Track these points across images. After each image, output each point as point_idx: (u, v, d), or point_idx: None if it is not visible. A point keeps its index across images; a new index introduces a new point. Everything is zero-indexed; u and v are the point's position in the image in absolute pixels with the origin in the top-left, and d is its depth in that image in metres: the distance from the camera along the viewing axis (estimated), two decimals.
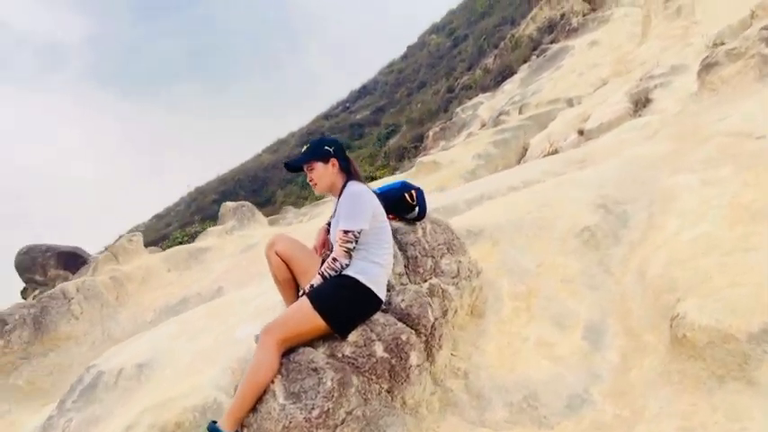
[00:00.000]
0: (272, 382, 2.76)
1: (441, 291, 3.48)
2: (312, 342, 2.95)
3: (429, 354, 3.17)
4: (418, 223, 3.74)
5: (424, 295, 3.28)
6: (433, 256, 3.63)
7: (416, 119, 29.44)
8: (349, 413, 2.72)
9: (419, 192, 3.70)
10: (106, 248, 8.43)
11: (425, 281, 3.51)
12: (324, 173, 3.17)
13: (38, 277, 9.62)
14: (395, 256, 3.46)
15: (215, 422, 2.68)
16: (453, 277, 3.63)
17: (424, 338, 3.16)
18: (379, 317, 3.05)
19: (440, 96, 30.84)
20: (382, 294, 3.08)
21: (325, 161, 3.17)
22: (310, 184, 3.21)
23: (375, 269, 3.05)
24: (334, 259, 2.99)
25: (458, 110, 22.33)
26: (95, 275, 6.75)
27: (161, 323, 5.50)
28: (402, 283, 3.39)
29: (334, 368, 2.80)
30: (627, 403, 3.04)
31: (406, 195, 3.64)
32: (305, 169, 3.20)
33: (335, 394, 2.72)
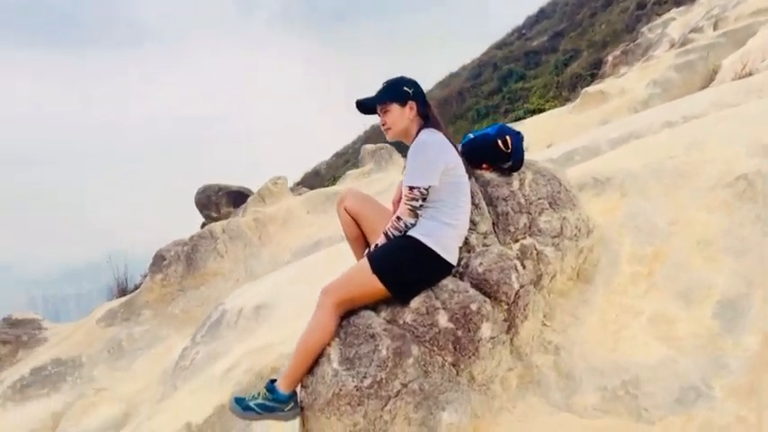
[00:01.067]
0: (329, 344, 2.66)
1: (535, 252, 3.06)
2: (375, 305, 2.77)
3: (511, 324, 2.82)
4: (516, 174, 3.29)
5: (508, 258, 2.89)
6: (529, 213, 3.18)
7: (599, 42, 26.62)
8: (405, 385, 2.53)
9: (516, 137, 3.23)
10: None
11: (516, 241, 3.10)
12: (399, 116, 2.86)
13: (213, 214, 10.73)
14: (481, 214, 3.09)
15: (274, 381, 2.67)
16: (554, 237, 3.16)
17: (505, 307, 2.80)
18: (447, 282, 2.76)
19: (628, 14, 27.43)
20: (452, 258, 2.77)
21: (402, 103, 2.85)
22: (382, 128, 2.94)
23: (444, 230, 2.74)
24: (398, 218, 2.74)
25: (644, 29, 19.65)
26: (245, 216, 7.29)
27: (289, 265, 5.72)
28: (485, 244, 3.02)
29: (392, 335, 2.61)
30: (757, 405, 2.42)
31: (499, 142, 3.20)
32: (378, 111, 2.92)
33: (390, 364, 2.53)
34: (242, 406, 2.60)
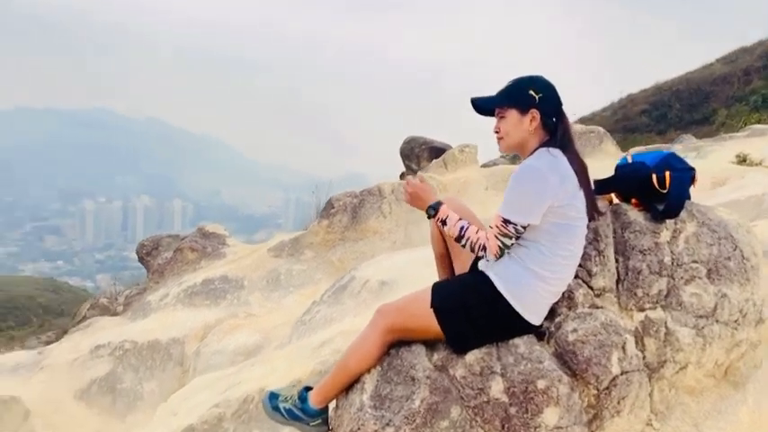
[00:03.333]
0: (370, 371, 2.38)
1: (663, 331, 2.34)
2: (434, 341, 2.39)
3: (596, 416, 2.21)
4: (670, 222, 2.51)
5: (617, 331, 2.24)
6: (672, 277, 2.41)
7: None
8: None
9: (680, 174, 2.43)
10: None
11: (642, 310, 2.39)
12: (516, 126, 2.28)
13: (413, 166, 10.76)
14: (603, 264, 2.43)
15: (309, 389, 2.50)
16: (700, 316, 2.37)
17: (593, 392, 2.20)
18: (519, 343, 2.24)
19: None
20: (534, 317, 2.23)
21: (523, 111, 2.26)
22: (495, 135, 2.41)
23: (530, 281, 2.19)
24: (483, 248, 2.26)
25: None
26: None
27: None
28: (595, 305, 2.37)
29: (434, 387, 2.22)
30: None
31: (654, 177, 2.44)
32: (496, 114, 2.39)
33: (419, 420, 2.16)
34: (272, 404, 2.48)
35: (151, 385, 5.03)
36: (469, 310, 2.24)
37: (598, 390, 2.20)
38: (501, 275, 2.22)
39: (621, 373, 2.21)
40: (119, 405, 4.87)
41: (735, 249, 2.47)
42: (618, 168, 2.63)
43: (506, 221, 2.18)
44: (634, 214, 2.56)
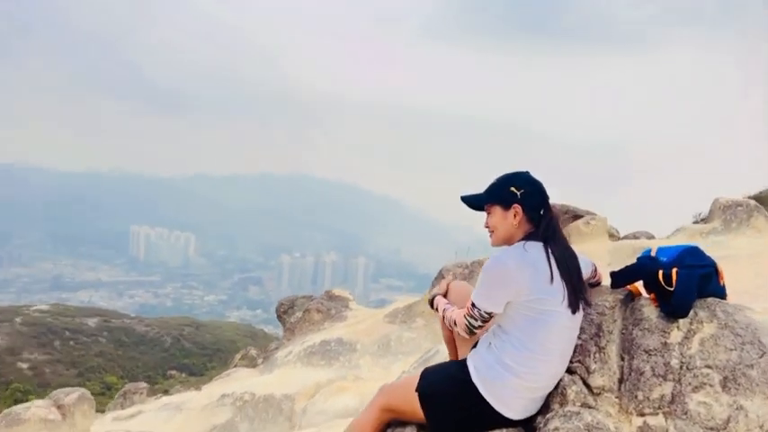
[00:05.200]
0: None
1: None
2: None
3: None
4: (684, 321, 2.34)
5: None
6: (678, 382, 2.24)
7: None
8: None
9: (685, 272, 2.29)
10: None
11: (642, 415, 2.24)
12: (501, 221, 2.41)
13: None
14: (604, 362, 2.35)
15: None
16: (709, 428, 2.16)
17: None
18: None
19: None
20: (509, 411, 2.25)
21: (506, 207, 2.39)
22: (487, 230, 2.52)
23: (502, 375, 2.24)
24: (454, 323, 2.41)
25: None
26: None
27: None
28: (586, 404, 2.29)
29: None
30: None
31: (660, 274, 2.33)
32: (486, 210, 2.51)
33: None
34: None
35: None
36: (448, 399, 2.32)
37: None
38: (478, 366, 2.30)
39: None
40: None
41: (762, 356, 2.22)
42: (637, 260, 2.54)
43: (473, 305, 2.31)
44: (649, 310, 2.45)
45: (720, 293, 2.42)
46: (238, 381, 6.66)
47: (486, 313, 2.28)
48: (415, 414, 2.43)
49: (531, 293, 2.22)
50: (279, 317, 8.13)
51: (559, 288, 2.25)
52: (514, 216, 2.36)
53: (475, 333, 2.37)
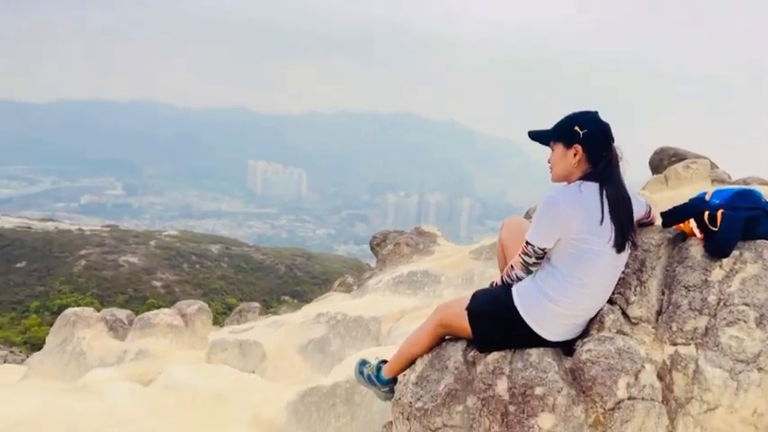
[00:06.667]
0: (425, 354, 2.87)
1: (693, 368, 2.34)
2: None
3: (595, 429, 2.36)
4: (729, 260, 2.41)
5: (632, 358, 2.34)
6: (713, 316, 2.35)
7: None
8: (447, 426, 2.60)
9: (730, 213, 2.35)
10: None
11: (674, 344, 2.40)
12: (560, 159, 2.53)
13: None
14: (644, 294, 2.51)
15: (384, 361, 3.09)
16: (738, 360, 2.28)
17: (600, 410, 2.36)
18: (533, 352, 2.50)
19: None
20: (547, 333, 2.48)
21: (568, 145, 2.49)
22: (548, 166, 2.67)
23: (541, 301, 2.45)
24: (512, 267, 2.60)
25: None
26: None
27: None
28: (621, 331, 2.46)
29: (458, 377, 2.64)
30: None
31: (706, 214, 2.40)
32: (550, 146, 2.65)
33: (439, 401, 2.63)
34: (360, 369, 3.15)
35: (351, 352, 6.13)
36: (493, 317, 2.59)
37: (604, 409, 2.34)
38: (520, 292, 2.53)
39: (628, 398, 2.31)
40: (325, 363, 6.10)
41: None
42: (689, 201, 2.61)
43: (527, 243, 2.49)
44: (696, 250, 2.54)
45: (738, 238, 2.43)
46: (333, 303, 7.30)
47: (540, 249, 2.44)
48: (465, 330, 2.72)
49: (580, 233, 2.36)
50: (372, 248, 8.66)
51: (608, 229, 2.38)
52: (574, 155, 2.47)
53: (531, 271, 2.53)
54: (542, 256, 2.48)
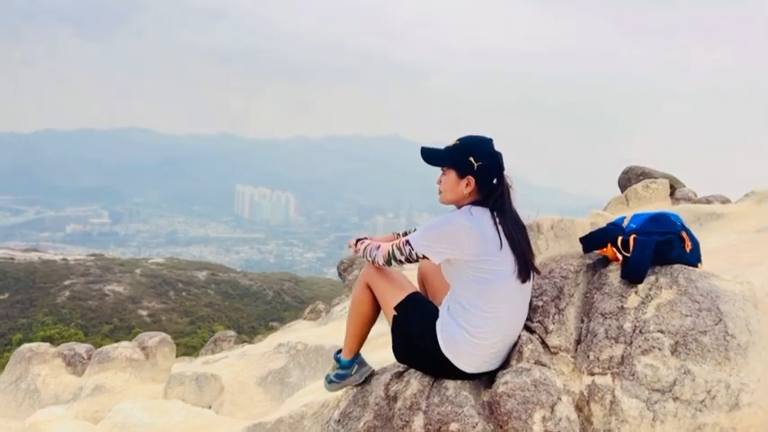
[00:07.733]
0: (371, 315, 2.82)
1: (609, 399, 2.26)
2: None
3: None
4: (642, 287, 2.36)
5: (548, 390, 2.27)
6: (629, 344, 2.29)
7: None
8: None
9: (642, 239, 2.31)
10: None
11: (591, 374, 2.33)
12: (452, 187, 2.46)
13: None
14: (561, 323, 2.45)
15: (339, 351, 2.93)
16: (654, 390, 2.21)
17: None
18: (450, 386, 2.42)
19: None
20: (466, 366, 2.40)
21: (460, 175, 2.44)
22: (438, 186, 2.57)
23: (458, 334, 2.39)
24: (378, 247, 2.57)
25: None
26: (590, 216, 6.56)
27: None
28: (539, 362, 2.39)
29: (377, 414, 2.56)
30: None
31: (620, 240, 2.36)
32: (442, 169, 2.56)
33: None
34: (327, 381, 2.97)
35: (311, 383, 5.99)
36: (415, 340, 2.51)
37: None
38: (441, 325, 2.45)
39: None
40: (284, 395, 5.95)
41: (717, 324, 2.22)
42: (606, 226, 2.56)
43: (407, 242, 2.44)
44: (614, 276, 2.49)
45: (689, 260, 2.40)
46: (296, 332, 7.16)
47: (416, 255, 2.40)
48: (385, 308, 2.66)
49: (476, 255, 2.30)
50: (339, 274, 8.56)
51: (508, 256, 2.33)
52: (466, 185, 2.42)
53: (392, 265, 2.50)
54: (414, 261, 2.45)
